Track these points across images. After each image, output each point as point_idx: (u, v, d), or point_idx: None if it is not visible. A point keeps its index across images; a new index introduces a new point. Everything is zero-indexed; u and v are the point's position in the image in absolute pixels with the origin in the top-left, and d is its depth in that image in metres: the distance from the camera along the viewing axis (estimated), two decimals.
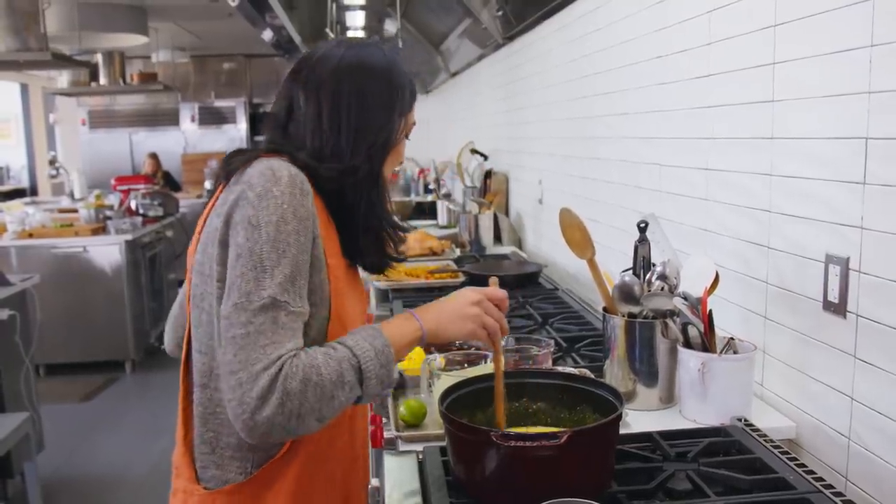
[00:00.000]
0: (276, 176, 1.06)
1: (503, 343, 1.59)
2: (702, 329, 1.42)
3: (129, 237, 5.31)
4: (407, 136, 1.26)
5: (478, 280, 2.65)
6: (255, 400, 0.98)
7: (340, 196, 1.17)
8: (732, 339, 1.45)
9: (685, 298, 1.44)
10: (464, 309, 1.16)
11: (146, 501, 3.56)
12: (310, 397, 1.00)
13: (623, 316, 1.52)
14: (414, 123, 1.27)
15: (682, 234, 1.81)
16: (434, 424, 1.42)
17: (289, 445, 1.13)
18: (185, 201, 7.21)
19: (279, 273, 1.03)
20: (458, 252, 3.32)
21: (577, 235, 1.68)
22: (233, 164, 1.13)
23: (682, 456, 1.24)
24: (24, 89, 10.98)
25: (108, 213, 5.72)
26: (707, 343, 1.42)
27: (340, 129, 1.16)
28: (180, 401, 1.20)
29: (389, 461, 1.31)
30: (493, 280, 1.24)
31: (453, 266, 2.89)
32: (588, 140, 2.57)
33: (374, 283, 2.64)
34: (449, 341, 1.14)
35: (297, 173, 1.08)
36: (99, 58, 8.39)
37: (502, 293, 1.21)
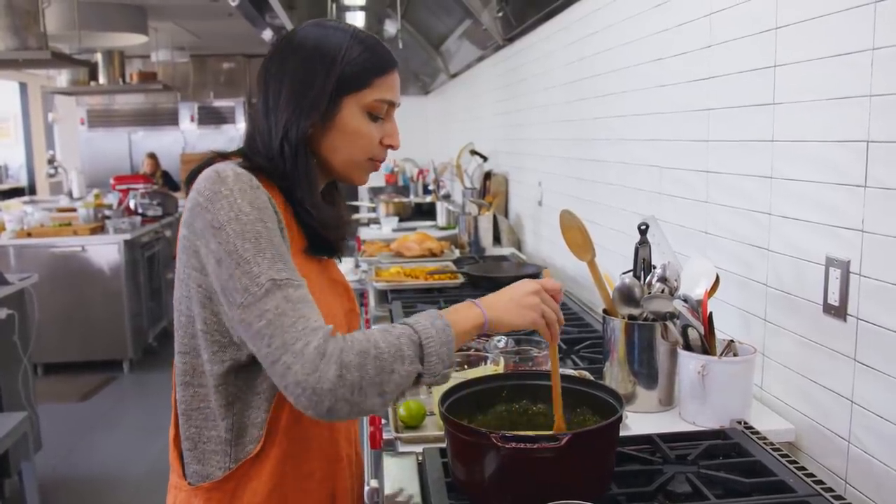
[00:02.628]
0: (221, 177, 1.08)
1: (504, 344, 1.60)
2: (702, 331, 1.42)
3: (127, 237, 5.30)
4: (376, 117, 1.18)
5: (476, 281, 2.65)
6: (310, 375, 0.98)
7: (293, 188, 1.16)
8: (732, 341, 1.45)
9: (685, 301, 1.44)
10: (525, 298, 1.17)
11: (143, 501, 3.56)
12: (369, 369, 1.00)
13: (623, 318, 1.52)
14: (384, 101, 1.17)
15: (683, 236, 1.81)
16: (434, 426, 1.42)
17: (262, 443, 1.14)
18: (184, 201, 7.18)
19: (262, 258, 1.03)
20: (457, 253, 3.32)
21: (577, 237, 1.68)
22: (192, 172, 1.16)
23: (682, 458, 1.24)
24: (24, 88, 10.97)
25: (107, 212, 5.72)
26: (707, 345, 1.42)
27: (269, 116, 1.16)
28: (172, 400, 1.22)
29: (389, 462, 1.31)
30: (547, 271, 1.27)
31: (452, 267, 2.88)
32: (588, 142, 2.57)
33: (373, 283, 2.64)
34: (510, 329, 1.16)
35: (242, 172, 1.09)
36: (98, 57, 8.40)
37: (558, 284, 1.22)
